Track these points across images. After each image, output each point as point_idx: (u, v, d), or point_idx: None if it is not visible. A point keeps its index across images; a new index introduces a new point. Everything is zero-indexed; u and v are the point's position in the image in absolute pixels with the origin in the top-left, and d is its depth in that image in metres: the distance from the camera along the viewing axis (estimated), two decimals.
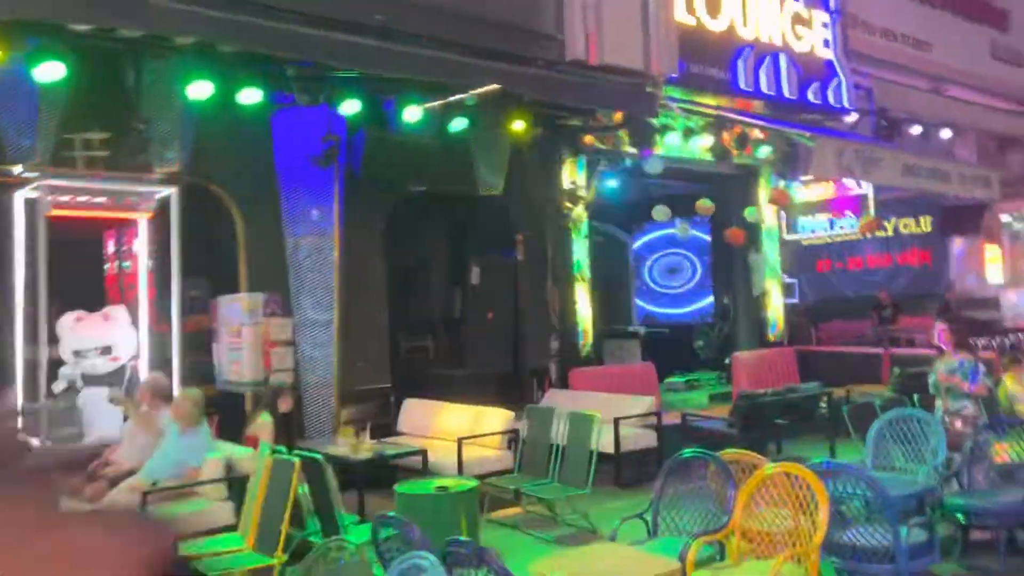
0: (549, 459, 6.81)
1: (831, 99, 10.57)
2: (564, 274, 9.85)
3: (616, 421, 7.86)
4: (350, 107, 7.56)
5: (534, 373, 9.55)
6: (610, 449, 7.79)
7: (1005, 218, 15.45)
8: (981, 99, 14.02)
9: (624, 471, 7.83)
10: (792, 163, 10.14)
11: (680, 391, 12.00)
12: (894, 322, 14.36)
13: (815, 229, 13.56)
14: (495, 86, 7.17)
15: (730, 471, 4.84)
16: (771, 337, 12.10)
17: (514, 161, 9.11)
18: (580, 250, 9.99)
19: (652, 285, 13.22)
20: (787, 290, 16.05)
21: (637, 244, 13.16)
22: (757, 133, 10.40)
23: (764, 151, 10.54)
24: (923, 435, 6.30)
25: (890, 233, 16.55)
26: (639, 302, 13.54)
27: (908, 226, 16.30)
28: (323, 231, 7.76)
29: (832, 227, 12.92)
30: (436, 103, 7.75)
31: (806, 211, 12.51)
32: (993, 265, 15.12)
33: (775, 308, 12.18)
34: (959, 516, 5.54)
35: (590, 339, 10.15)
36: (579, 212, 9.88)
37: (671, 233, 12.78)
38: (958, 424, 6.54)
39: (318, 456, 5.59)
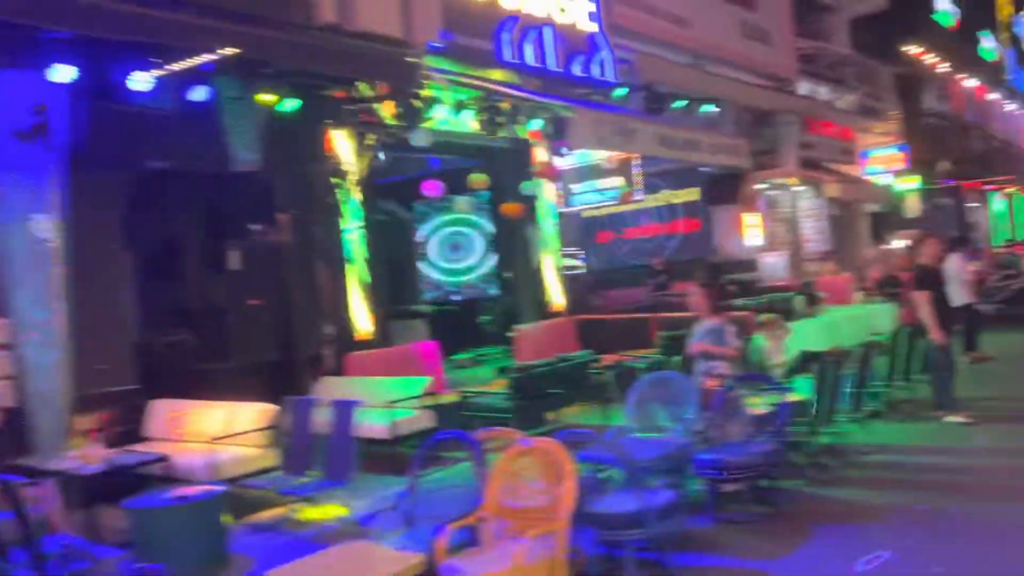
0: (312, 452, 6.38)
1: (596, 72, 10.75)
2: (336, 254, 9.35)
3: (389, 405, 7.57)
4: (65, 73, 6.62)
5: (308, 361, 9.01)
6: (386, 435, 7.52)
7: (760, 186, 16.70)
8: (736, 75, 14.98)
9: (401, 456, 7.54)
10: (559, 136, 10.23)
11: (467, 367, 11.92)
12: (667, 287, 15.14)
13: (588, 201, 13.93)
14: (234, 50, 6.52)
15: (483, 451, 4.67)
16: (553, 308, 12.28)
17: (274, 134, 8.49)
18: (354, 228, 9.52)
19: (437, 262, 13.00)
20: (572, 260, 16.52)
21: (420, 221, 12.87)
22: (529, 106, 10.40)
23: (535, 124, 10.55)
24: (680, 395, 6.53)
25: (663, 203, 17.45)
26: (426, 279, 13.30)
27: (678, 196, 17.25)
28: (39, 216, 6.76)
29: (601, 195, 13.29)
30: (170, 69, 6.97)
31: (580, 178, 12.74)
32: (751, 230, 16.31)
33: (555, 279, 12.36)
34: (710, 471, 5.74)
35: (369, 321, 9.75)
36: (349, 188, 9.39)
37: (453, 209, 12.62)
38: (711, 383, 6.81)
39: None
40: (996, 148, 31.10)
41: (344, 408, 6.28)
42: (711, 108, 13.49)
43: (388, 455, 7.45)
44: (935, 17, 25.50)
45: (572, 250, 16.64)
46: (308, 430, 6.49)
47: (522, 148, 11.19)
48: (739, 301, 12.68)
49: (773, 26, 15.94)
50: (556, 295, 12.36)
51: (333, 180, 9.20)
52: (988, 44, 31.07)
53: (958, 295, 10.43)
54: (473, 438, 4.76)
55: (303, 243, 9.04)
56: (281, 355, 8.97)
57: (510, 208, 11.21)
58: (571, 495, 4.23)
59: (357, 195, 9.54)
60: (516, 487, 4.56)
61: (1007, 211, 33.70)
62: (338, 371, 9.02)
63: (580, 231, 17.70)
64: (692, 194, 17.00)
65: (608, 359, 9.67)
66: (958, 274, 10.91)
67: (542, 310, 12.14)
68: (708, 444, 6.06)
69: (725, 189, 15.89)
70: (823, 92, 18.67)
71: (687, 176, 16.44)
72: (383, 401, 7.66)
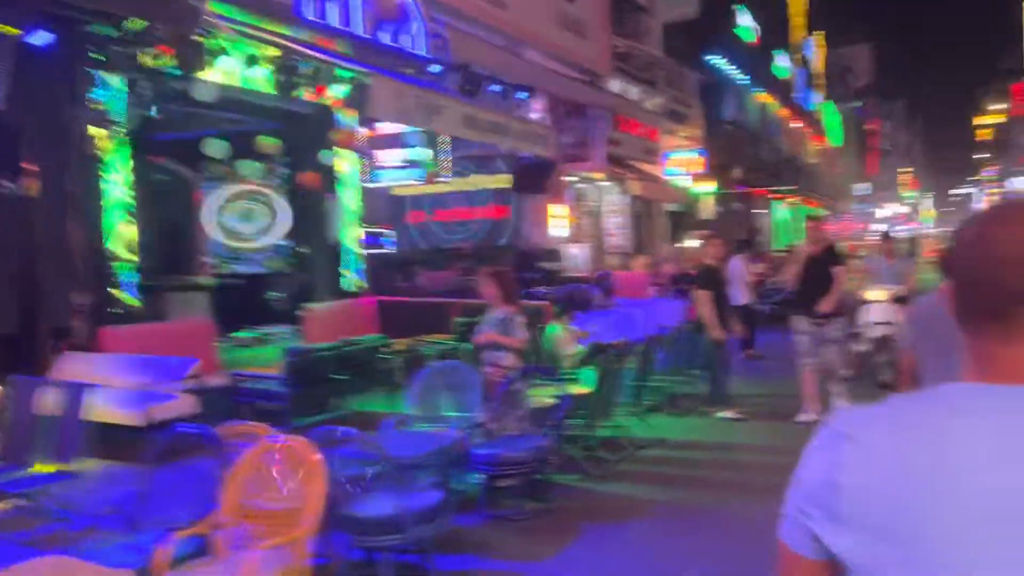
0: (36, 441, 5.49)
1: (406, 44, 10.26)
2: (96, 213, 8.25)
3: (145, 387, 6.74)
4: None
5: (52, 334, 7.89)
6: (138, 421, 6.69)
7: (569, 178, 16.94)
8: (551, 65, 15.01)
9: (153, 445, 6.73)
10: (362, 105, 9.65)
11: (251, 347, 11.06)
12: (474, 273, 14.97)
13: (395, 178, 13.41)
14: None
15: (223, 449, 4.12)
16: (353, 288, 11.70)
17: (21, 71, 7.31)
18: (119, 186, 8.45)
19: (225, 231, 11.97)
20: (380, 240, 15.96)
21: (206, 185, 11.78)
22: (331, 70, 9.73)
23: (337, 90, 9.90)
24: (465, 386, 6.27)
25: (473, 188, 17.27)
26: (211, 249, 12.22)
27: (489, 181, 17.13)
28: None
29: (409, 173, 12.77)
30: None
31: (388, 147, 12.11)
32: (558, 221, 16.51)
33: (356, 258, 11.77)
34: (484, 466, 5.50)
35: (136, 292, 8.73)
36: (114, 140, 8.31)
37: (245, 174, 11.64)
38: (495, 374, 6.60)
39: None
40: (784, 160, 33.86)
41: (74, 391, 5.44)
42: (524, 96, 13.42)
43: (139, 444, 6.62)
44: (737, 32, 27.19)
45: (379, 228, 16.09)
46: (32, 415, 5.58)
47: (324, 114, 10.48)
48: (541, 290, 12.74)
49: (590, 20, 16.14)
50: (356, 274, 11.79)
51: (96, 130, 8.09)
52: (782, 63, 33.66)
53: (738, 295, 10.99)
54: (213, 432, 4.19)
55: (54, 199, 7.88)
56: (21, 326, 7.79)
57: (308, 178, 10.49)
58: (319, 498, 3.79)
59: (126, 149, 8.48)
60: (263, 488, 4.06)
61: (789, 219, 36.81)
62: (92, 347, 7.98)
63: (389, 209, 17.15)
64: (502, 181, 16.95)
65: (400, 344, 9.27)
66: (740, 275, 11.51)
67: (339, 289, 11.53)
68: (487, 438, 5.83)
69: (535, 178, 15.94)
70: (633, 92, 19.26)
71: (496, 162, 16.35)
72: (139, 383, 6.82)
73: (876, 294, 9.36)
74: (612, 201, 19.03)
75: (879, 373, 9.07)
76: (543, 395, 6.96)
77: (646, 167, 20.26)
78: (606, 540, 5.12)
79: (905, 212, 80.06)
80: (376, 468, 4.42)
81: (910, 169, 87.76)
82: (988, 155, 78.82)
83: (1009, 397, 0.98)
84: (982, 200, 71.94)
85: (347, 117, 10.33)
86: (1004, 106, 63.69)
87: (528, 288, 12.92)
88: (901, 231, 51.08)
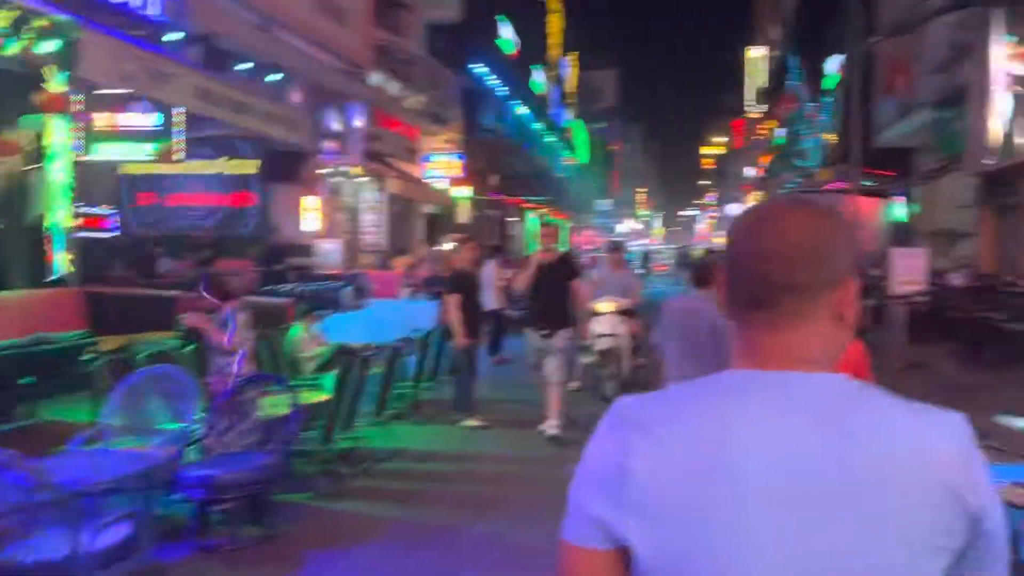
0: None
1: (136, 2, 9.03)
2: None
3: None
4: None
5: None
6: None
7: (324, 171, 16.12)
8: (307, 49, 14.16)
9: None
10: (75, 63, 8.29)
11: None
12: (213, 264, 13.73)
13: (121, 153, 11.82)
14: None
15: None
16: (57, 275, 10.09)
17: None
18: None
19: None
20: (101, 222, 14.13)
21: None
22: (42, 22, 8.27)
23: (47, 45, 8.43)
24: (181, 395, 5.46)
25: (216, 171, 15.87)
26: None
27: (234, 166, 15.83)
28: None
29: (134, 146, 11.22)
30: None
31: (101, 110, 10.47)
32: (310, 214, 15.64)
33: (64, 241, 10.17)
34: (196, 489, 4.76)
35: None
36: None
37: None
38: (219, 382, 5.85)
39: None
40: (536, 172, 35.21)
41: None
42: (277, 77, 12.51)
43: None
44: (499, 43, 27.81)
45: (99, 209, 14.26)
46: None
47: (27, 71, 8.88)
48: (288, 287, 11.95)
49: (351, 8, 15.48)
50: (61, 260, 10.18)
51: None
52: (538, 78, 35.02)
53: (490, 300, 10.94)
54: None
55: None
56: None
57: (3, 145, 8.86)
58: None
59: None
60: None
61: (539, 227, 38.42)
62: None
63: (115, 188, 15.26)
64: (250, 166, 15.72)
65: (110, 342, 8.06)
66: (492, 280, 11.48)
67: (39, 276, 9.88)
68: (203, 455, 5.09)
69: (286, 167, 14.96)
70: (393, 88, 18.84)
71: (243, 146, 15.13)
72: None
73: (603, 306, 9.09)
74: (369, 198, 18.45)
75: (602, 387, 8.87)
76: (277, 404, 6.30)
77: (406, 166, 19.95)
78: (332, 567, 4.61)
79: (640, 228, 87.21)
80: (41, 499, 3.57)
81: (645, 189, 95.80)
82: (710, 182, 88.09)
83: (775, 382, 1.01)
84: (704, 221, 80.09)
85: (57, 77, 8.83)
86: (725, 139, 71.48)
87: (275, 284, 12.08)
88: (636, 246, 55.27)
